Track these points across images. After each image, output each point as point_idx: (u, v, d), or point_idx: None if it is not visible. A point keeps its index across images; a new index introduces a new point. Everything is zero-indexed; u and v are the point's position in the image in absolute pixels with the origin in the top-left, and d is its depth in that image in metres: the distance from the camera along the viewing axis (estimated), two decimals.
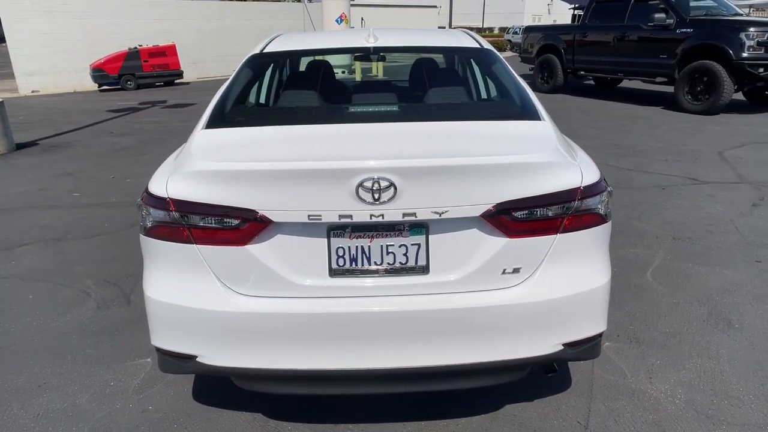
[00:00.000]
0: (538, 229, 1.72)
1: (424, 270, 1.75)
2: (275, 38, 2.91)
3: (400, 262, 1.74)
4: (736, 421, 2.14)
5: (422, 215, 1.66)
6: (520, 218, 1.70)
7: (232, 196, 1.67)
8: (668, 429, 2.11)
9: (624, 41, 10.49)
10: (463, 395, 2.29)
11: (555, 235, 1.74)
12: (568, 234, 1.75)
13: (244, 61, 2.61)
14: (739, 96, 9.86)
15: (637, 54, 10.23)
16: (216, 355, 1.78)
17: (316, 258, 1.73)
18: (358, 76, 12.55)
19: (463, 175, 1.65)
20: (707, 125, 8.28)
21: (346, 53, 2.88)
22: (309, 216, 1.65)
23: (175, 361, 1.85)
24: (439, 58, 3.40)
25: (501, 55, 2.69)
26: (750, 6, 24.24)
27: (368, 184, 1.61)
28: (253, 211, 1.66)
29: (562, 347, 1.81)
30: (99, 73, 14.98)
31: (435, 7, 29.89)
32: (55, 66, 15.88)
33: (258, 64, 2.74)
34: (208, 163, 1.72)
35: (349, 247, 1.73)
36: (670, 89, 9.93)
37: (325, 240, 1.72)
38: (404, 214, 1.65)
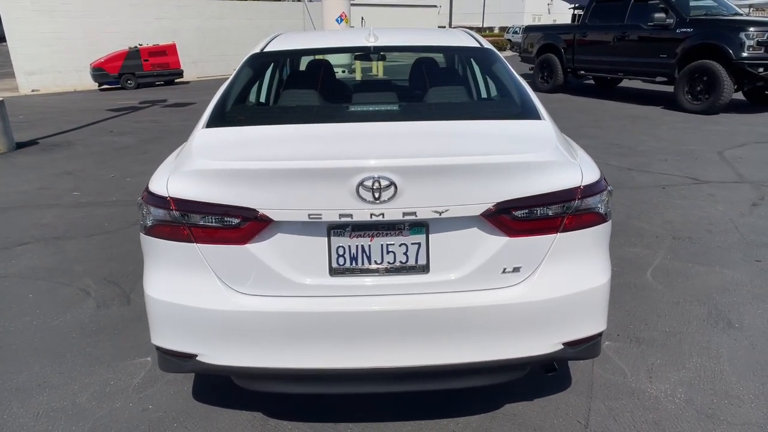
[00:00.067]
0: (538, 228, 1.72)
1: (425, 269, 1.75)
2: (275, 37, 2.92)
3: (401, 261, 1.74)
4: (736, 420, 2.14)
5: (422, 214, 1.66)
6: (520, 217, 1.70)
7: (233, 195, 1.67)
8: (668, 428, 2.11)
9: (624, 41, 10.49)
10: (463, 394, 2.29)
11: (555, 235, 1.74)
12: (568, 233, 1.75)
13: (244, 60, 2.61)
14: (739, 96, 9.86)
15: (637, 54, 10.23)
16: (216, 354, 1.78)
17: (317, 257, 1.73)
18: (358, 76, 12.57)
19: (464, 174, 1.65)
20: (707, 125, 8.28)
21: (347, 52, 2.88)
22: (309, 215, 1.65)
23: (175, 360, 1.85)
24: (439, 57, 3.40)
25: (501, 55, 2.69)
26: (750, 6, 24.26)
27: (368, 183, 1.61)
28: (254, 210, 1.66)
29: (562, 346, 1.81)
30: (99, 72, 14.98)
31: (435, 6, 29.88)
32: (56, 65, 15.89)
33: (258, 63, 2.74)
34: (208, 162, 1.72)
35: (349, 246, 1.73)
36: (670, 89, 9.94)
37: (326, 239, 1.72)
38: (404, 213, 1.65)
